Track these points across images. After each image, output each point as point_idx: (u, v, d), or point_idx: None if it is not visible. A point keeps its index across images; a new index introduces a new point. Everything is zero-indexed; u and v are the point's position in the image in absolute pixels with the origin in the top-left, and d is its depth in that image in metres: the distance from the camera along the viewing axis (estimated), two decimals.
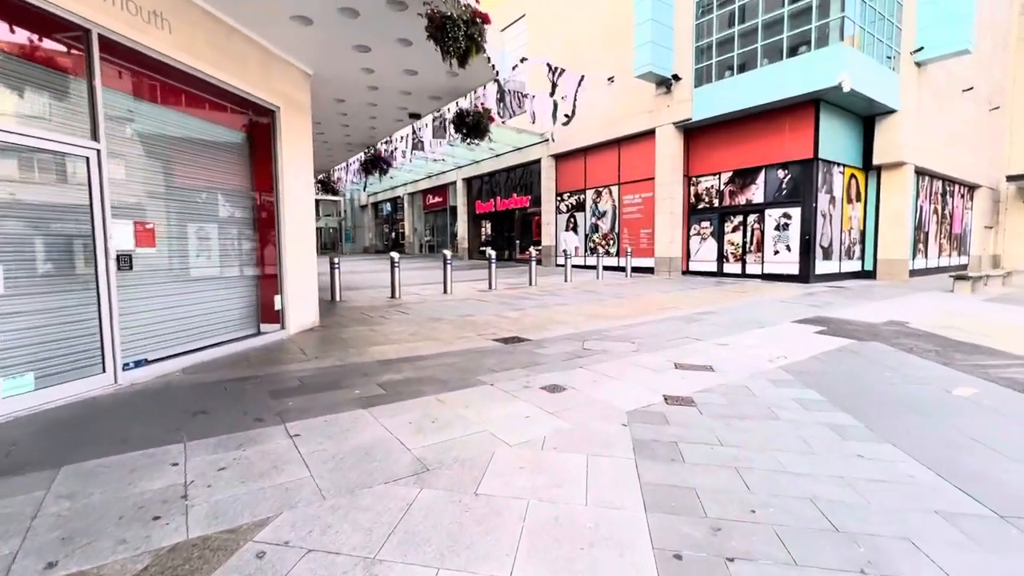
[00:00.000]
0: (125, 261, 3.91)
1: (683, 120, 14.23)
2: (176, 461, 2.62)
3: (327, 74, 6.47)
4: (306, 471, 2.53)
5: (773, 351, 5.24)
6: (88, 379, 3.70)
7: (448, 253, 10.89)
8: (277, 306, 5.83)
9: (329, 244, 42.15)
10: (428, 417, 3.27)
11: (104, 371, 3.77)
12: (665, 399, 3.69)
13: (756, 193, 13.54)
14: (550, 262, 19.67)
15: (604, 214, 17.61)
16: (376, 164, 10.82)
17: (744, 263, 14.06)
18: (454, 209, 26.88)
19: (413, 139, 21.47)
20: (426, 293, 10.83)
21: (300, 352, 5.09)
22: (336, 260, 9.53)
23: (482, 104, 7.35)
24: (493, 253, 11.69)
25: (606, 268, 16.00)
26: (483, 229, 25.70)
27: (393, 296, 10.03)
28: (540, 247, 20.39)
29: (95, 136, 3.73)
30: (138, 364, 4.05)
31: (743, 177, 13.81)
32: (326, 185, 14.50)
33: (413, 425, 3.13)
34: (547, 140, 19.07)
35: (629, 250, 14.85)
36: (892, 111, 13.14)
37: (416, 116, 8.74)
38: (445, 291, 10.78)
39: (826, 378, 4.27)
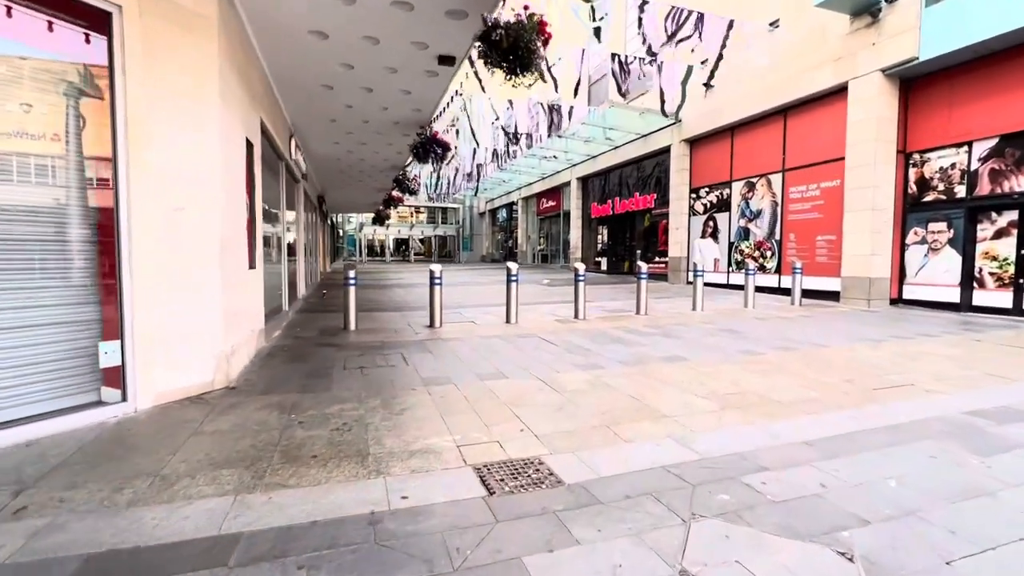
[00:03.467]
0: None
1: (899, 63, 9.05)
2: None
3: None
4: None
5: None
6: None
7: (513, 266, 7.73)
8: (106, 361, 3.28)
9: (449, 253, 42.02)
10: None
11: None
12: None
13: None
14: (679, 278, 15.24)
15: (759, 214, 12.75)
16: (427, 149, 8.19)
17: (1021, 292, 8.31)
18: (567, 214, 23.63)
19: (522, 134, 18.88)
20: (483, 321, 7.80)
21: None
22: (352, 274, 7.02)
23: (525, 9, 4.07)
24: (581, 267, 8.19)
25: (760, 290, 11.24)
26: (599, 236, 21.96)
27: (431, 325, 7.22)
28: (667, 259, 16.07)
29: None
30: None
31: (1023, 146, 8.16)
32: (401, 184, 12.51)
33: None
34: (677, 121, 14.79)
35: (798, 266, 9.99)
36: None
37: (448, 60, 5.78)
38: (508, 320, 7.64)
39: None
